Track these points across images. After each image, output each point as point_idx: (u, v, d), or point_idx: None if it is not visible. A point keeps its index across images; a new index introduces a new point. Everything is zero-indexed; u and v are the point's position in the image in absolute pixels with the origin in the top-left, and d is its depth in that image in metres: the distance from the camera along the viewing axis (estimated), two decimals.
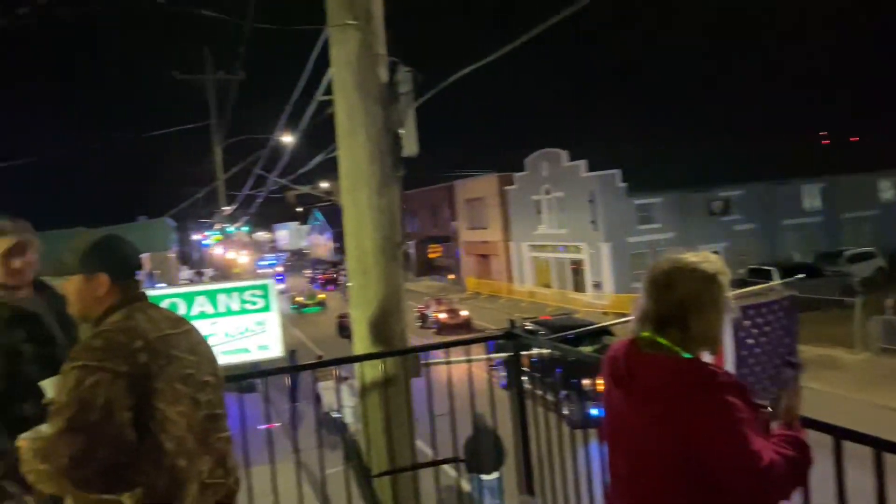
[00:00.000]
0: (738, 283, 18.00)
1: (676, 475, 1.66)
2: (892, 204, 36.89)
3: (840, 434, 1.95)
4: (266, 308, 10.07)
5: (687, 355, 1.71)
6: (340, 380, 6.29)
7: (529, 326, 16.83)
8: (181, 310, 8.75)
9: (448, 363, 3.92)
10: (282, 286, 43.53)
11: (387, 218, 4.03)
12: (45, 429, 1.85)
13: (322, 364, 4.27)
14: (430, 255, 50.92)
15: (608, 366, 1.87)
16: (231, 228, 32.25)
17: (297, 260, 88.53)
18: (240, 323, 9.84)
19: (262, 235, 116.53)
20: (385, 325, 4.02)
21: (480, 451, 6.00)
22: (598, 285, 32.27)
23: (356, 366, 4.10)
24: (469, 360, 3.97)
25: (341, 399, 5.25)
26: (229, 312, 9.81)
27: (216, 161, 22.08)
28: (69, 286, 2.04)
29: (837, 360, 17.02)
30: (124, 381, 1.80)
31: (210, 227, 51.69)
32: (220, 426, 2.12)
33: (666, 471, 1.68)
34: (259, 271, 55.54)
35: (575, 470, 3.55)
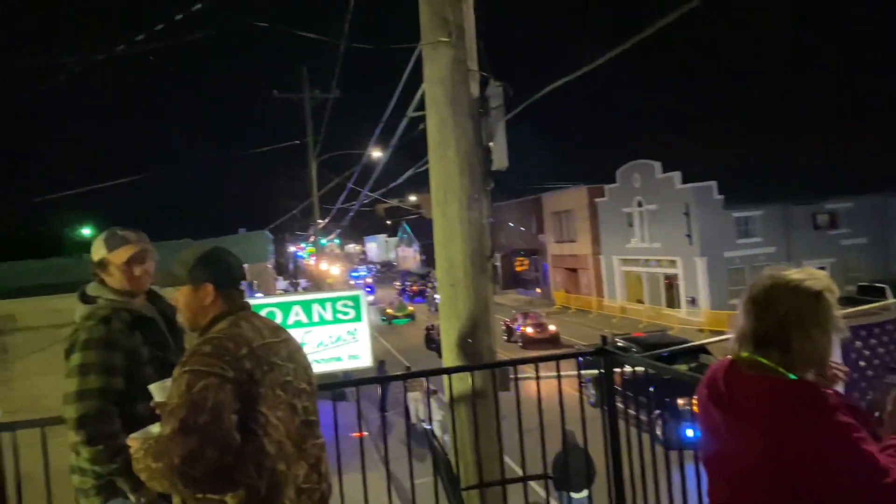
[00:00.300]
0: (847, 301, 16.86)
1: (784, 500, 1.58)
2: None
3: None
4: (357, 318, 10.33)
5: (792, 376, 1.62)
6: (429, 392, 6.33)
7: (621, 343, 16.40)
8: (278, 319, 9.13)
9: (537, 378, 3.87)
10: (371, 297, 44.36)
11: (476, 230, 4.05)
12: (154, 429, 1.96)
13: (411, 375, 4.32)
14: (517, 269, 50.65)
15: (706, 387, 1.80)
16: (324, 241, 33.33)
17: (387, 272, 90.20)
18: (332, 332, 10.13)
19: (352, 247, 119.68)
20: (474, 338, 4.03)
21: (570, 469, 5.89)
22: (693, 301, 31.06)
23: (444, 378, 4.13)
24: (559, 376, 3.91)
25: (430, 411, 5.33)
26: (322, 322, 10.13)
27: (311, 176, 22.90)
28: (179, 296, 2.18)
29: None
30: (231, 385, 1.89)
31: (304, 239, 53.67)
32: (315, 432, 2.20)
33: (772, 495, 1.59)
34: (351, 282, 57.06)
35: (669, 492, 3.42)
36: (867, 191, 31.10)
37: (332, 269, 50.73)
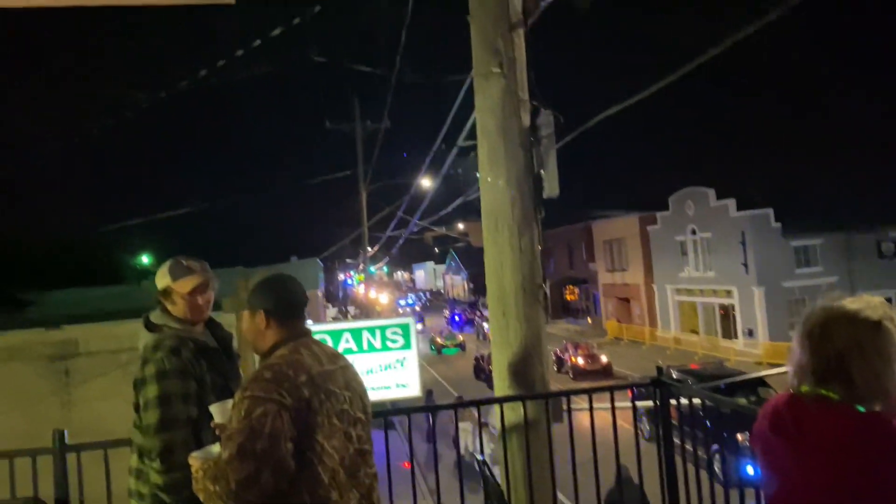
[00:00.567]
0: None
1: None
2: None
3: None
4: (406, 346, 10.34)
5: (861, 408, 1.55)
6: (481, 423, 6.26)
7: (676, 375, 15.96)
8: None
9: (590, 410, 3.78)
10: (420, 326, 44.23)
11: (527, 258, 4.03)
12: (214, 448, 2.00)
13: (463, 404, 4.29)
14: (567, 297, 50.06)
15: (769, 420, 1.73)
16: (373, 268, 33.65)
17: (435, 300, 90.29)
18: (381, 360, 10.15)
19: (400, 275, 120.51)
20: (525, 367, 3.98)
21: None
22: (750, 332, 30.09)
23: (495, 408, 4.08)
24: (612, 408, 3.81)
25: (481, 442, 5.25)
26: (371, 349, 10.17)
27: (362, 205, 23.26)
28: (242, 320, 2.24)
29: None
30: (289, 412, 1.92)
31: (354, 267, 54.32)
32: (368, 461, 2.19)
33: None
34: (399, 310, 57.28)
35: None
36: None
37: (381, 297, 51.12)
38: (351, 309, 48.28)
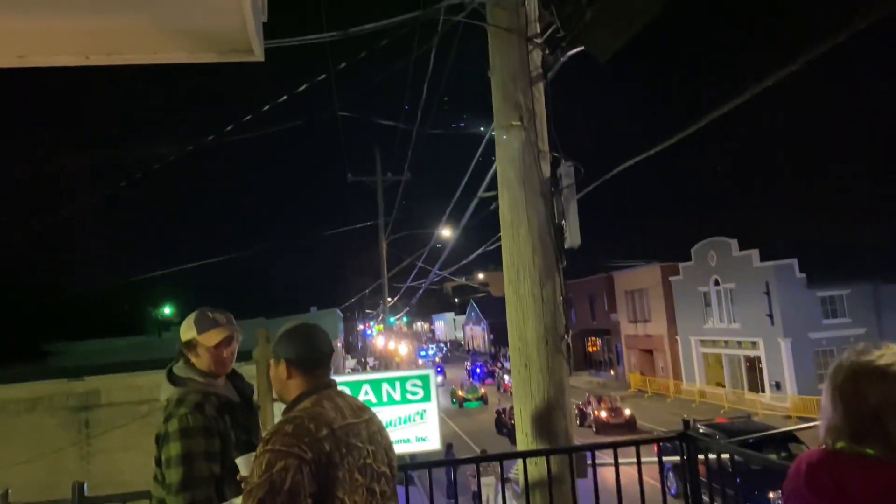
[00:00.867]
0: None
1: None
2: None
3: None
4: (426, 398, 10.22)
5: None
6: (503, 479, 6.11)
7: (703, 430, 15.54)
8: None
9: (616, 464, 3.68)
10: (440, 379, 43.53)
11: (549, 308, 4.00)
12: (237, 501, 1.97)
13: (485, 458, 4.20)
14: (589, 349, 49.38)
15: (805, 477, 1.66)
16: (392, 319, 33.59)
17: (455, 351, 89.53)
18: (401, 412, 10.03)
19: (420, 326, 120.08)
20: (548, 420, 3.90)
21: None
22: (777, 385, 29.36)
23: (518, 463, 3.99)
24: (638, 462, 3.71)
25: (504, 498, 5.07)
26: (391, 402, 10.06)
27: (382, 256, 23.39)
28: (270, 368, 2.23)
29: None
30: (310, 467, 1.89)
31: (373, 317, 54.24)
32: None
33: None
34: (420, 362, 56.78)
35: None
36: None
37: (400, 348, 50.81)
38: (370, 360, 48.01)
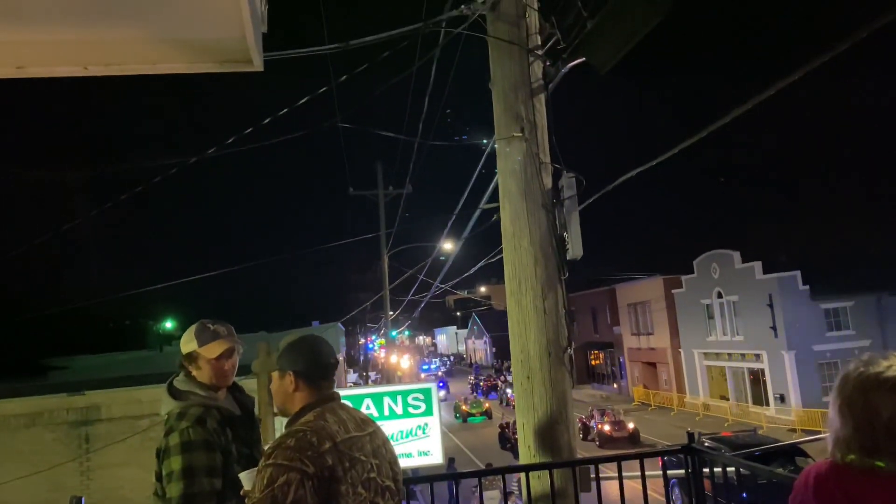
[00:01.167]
0: None
1: None
2: None
3: None
4: (428, 412, 10.15)
5: None
6: (506, 493, 6.08)
7: (708, 444, 15.41)
8: None
9: (620, 478, 3.63)
10: (443, 393, 43.16)
11: (552, 320, 3.97)
12: None
13: (487, 472, 4.16)
14: (592, 362, 49.18)
15: (813, 490, 1.63)
16: (394, 333, 33.49)
17: (457, 364, 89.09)
18: (403, 426, 9.96)
19: (422, 339, 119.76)
20: (551, 433, 3.86)
21: None
22: (781, 398, 29.18)
23: (521, 477, 3.94)
24: (643, 476, 3.66)
25: None
26: (393, 416, 9.99)
27: (383, 270, 23.36)
28: (273, 381, 2.21)
29: None
30: (312, 481, 1.86)
31: (375, 331, 54.10)
32: None
33: None
34: (422, 375, 56.48)
35: None
36: None
37: (402, 362, 50.62)
38: (372, 374, 47.79)
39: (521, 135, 4.06)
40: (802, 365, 28.45)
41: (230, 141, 5.01)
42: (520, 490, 4.30)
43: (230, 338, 2.66)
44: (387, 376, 33.54)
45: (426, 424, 10.02)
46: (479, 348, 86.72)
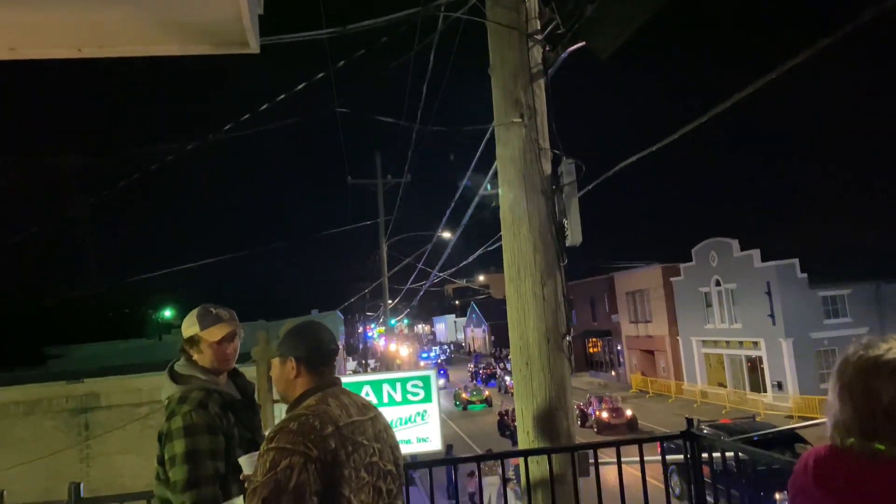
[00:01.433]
0: None
1: None
2: None
3: None
4: (427, 399, 10.18)
5: None
6: (504, 479, 6.09)
7: (707, 431, 15.49)
8: None
9: (618, 463, 3.64)
10: (443, 381, 43.18)
11: (551, 307, 3.96)
12: (239, 500, 1.94)
13: (485, 457, 4.16)
14: (590, 350, 49.32)
15: (813, 474, 1.62)
16: (393, 321, 33.54)
17: (456, 353, 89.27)
18: (402, 413, 10.00)
19: (420, 328, 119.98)
20: (550, 419, 3.86)
21: None
22: (779, 385, 29.30)
23: (520, 463, 3.95)
24: (641, 461, 3.67)
25: (505, 498, 5.03)
26: (392, 402, 10.02)
27: (382, 258, 23.36)
28: (273, 368, 2.20)
29: None
30: (315, 465, 1.85)
31: (374, 319, 54.19)
32: None
33: None
34: (421, 364, 56.61)
35: None
36: None
37: (401, 350, 50.72)
38: (371, 362, 47.89)
39: (520, 121, 4.04)
40: (800, 352, 28.55)
41: (227, 127, 4.98)
42: (518, 476, 4.31)
43: (232, 321, 2.65)
44: (386, 364, 33.61)
45: (425, 411, 10.05)
46: (478, 336, 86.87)
